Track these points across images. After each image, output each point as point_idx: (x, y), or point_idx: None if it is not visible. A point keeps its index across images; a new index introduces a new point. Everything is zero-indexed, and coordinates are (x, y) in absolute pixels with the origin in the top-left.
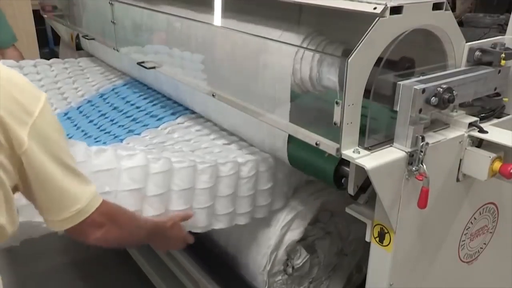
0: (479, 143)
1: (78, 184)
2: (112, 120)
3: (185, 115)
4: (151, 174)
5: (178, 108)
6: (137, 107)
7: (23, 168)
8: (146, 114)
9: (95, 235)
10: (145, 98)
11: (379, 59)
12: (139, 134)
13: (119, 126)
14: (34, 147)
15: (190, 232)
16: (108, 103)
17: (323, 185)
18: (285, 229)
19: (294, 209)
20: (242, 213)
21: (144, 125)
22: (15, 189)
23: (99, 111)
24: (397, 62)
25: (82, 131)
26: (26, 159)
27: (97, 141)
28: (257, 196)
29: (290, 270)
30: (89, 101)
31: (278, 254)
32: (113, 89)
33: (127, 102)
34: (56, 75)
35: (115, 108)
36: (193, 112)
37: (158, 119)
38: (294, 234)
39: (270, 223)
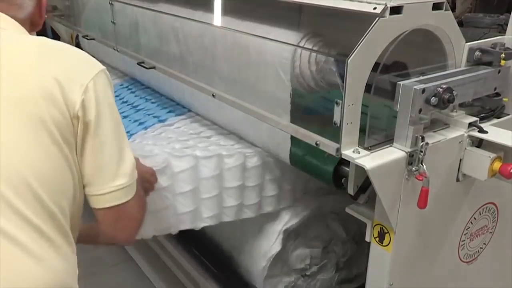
0: (479, 143)
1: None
2: None
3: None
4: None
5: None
6: (135, 107)
7: (81, 126)
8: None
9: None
10: (141, 98)
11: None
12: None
13: None
14: (93, 104)
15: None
16: None
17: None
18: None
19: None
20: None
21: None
22: None
23: None
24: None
25: None
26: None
27: None
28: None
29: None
30: None
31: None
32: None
33: (124, 102)
34: None
35: None
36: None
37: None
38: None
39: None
